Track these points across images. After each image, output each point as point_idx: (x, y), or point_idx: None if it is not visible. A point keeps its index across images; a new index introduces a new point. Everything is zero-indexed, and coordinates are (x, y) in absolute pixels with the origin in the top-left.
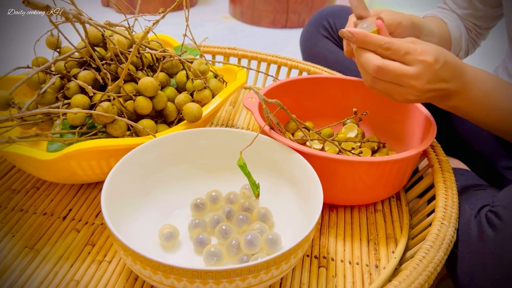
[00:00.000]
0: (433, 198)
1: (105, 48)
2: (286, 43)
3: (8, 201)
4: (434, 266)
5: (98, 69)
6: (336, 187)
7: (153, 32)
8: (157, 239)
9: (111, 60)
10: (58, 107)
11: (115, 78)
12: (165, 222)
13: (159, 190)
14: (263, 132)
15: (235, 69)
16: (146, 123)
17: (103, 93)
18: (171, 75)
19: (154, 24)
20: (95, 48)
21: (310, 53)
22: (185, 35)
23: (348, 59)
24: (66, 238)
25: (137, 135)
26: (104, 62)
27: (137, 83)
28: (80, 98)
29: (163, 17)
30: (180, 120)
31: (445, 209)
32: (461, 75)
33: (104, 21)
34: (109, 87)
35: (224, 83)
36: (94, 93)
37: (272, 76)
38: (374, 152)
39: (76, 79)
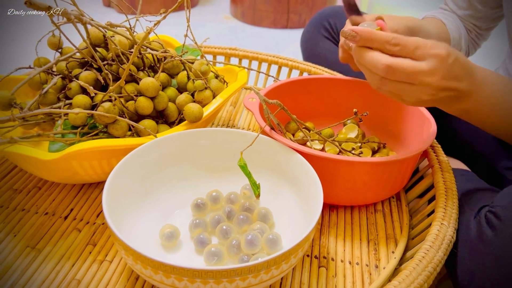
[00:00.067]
0: (433, 198)
1: (107, 49)
2: (287, 43)
3: (10, 200)
4: (434, 266)
5: (99, 70)
6: (336, 187)
7: (154, 32)
8: (158, 239)
9: (113, 60)
10: (59, 108)
11: (117, 78)
12: (166, 222)
13: (160, 190)
14: (263, 132)
15: (236, 70)
16: (147, 123)
17: (105, 93)
18: (172, 75)
19: (155, 24)
20: (97, 48)
21: (310, 53)
22: (186, 35)
23: None
24: (67, 237)
25: (138, 135)
26: (105, 62)
27: (138, 83)
28: (81, 99)
29: (164, 17)
30: (181, 120)
31: (445, 210)
32: (472, 74)
33: (105, 22)
34: (110, 88)
35: (225, 83)
36: (96, 94)
37: (272, 76)
38: (374, 152)
39: (78, 79)
